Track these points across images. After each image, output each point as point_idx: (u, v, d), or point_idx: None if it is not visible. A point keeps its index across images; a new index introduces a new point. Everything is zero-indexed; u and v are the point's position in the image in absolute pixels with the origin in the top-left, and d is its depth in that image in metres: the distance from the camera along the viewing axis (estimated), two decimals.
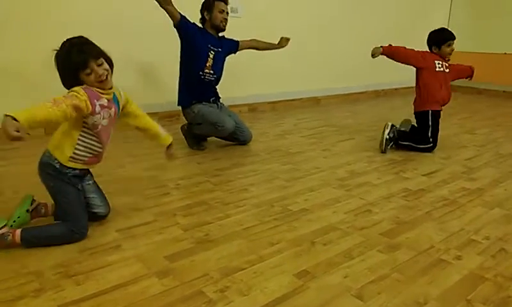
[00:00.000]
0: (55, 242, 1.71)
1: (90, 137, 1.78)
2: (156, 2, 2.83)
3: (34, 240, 1.70)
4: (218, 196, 2.29)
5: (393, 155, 3.17)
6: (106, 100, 1.75)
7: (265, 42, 3.53)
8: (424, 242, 1.83)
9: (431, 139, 3.27)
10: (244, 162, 2.92)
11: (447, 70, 3.33)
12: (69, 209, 1.77)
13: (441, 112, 3.37)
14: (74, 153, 1.76)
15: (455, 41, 3.30)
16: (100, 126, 1.77)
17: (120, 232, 1.84)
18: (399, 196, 2.37)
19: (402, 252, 1.73)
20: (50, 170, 1.76)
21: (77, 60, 1.65)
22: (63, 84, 1.72)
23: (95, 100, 1.69)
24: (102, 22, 3.51)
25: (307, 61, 5.16)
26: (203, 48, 3.11)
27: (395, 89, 6.37)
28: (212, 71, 3.18)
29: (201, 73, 3.13)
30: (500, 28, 6.43)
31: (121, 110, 1.92)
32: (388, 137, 3.24)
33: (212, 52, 3.14)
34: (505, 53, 6.25)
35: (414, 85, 3.39)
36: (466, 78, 3.52)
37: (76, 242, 1.74)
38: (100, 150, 1.85)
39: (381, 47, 3.26)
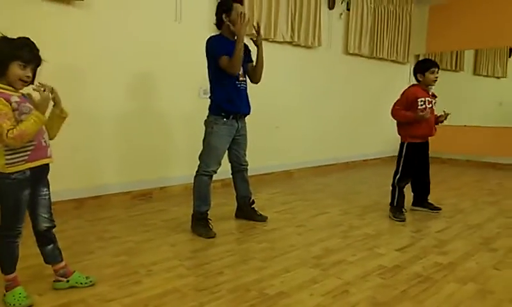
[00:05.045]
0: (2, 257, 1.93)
1: None
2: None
3: None
4: (192, 281, 2.21)
5: (367, 229, 3.20)
6: (17, 97, 1.83)
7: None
8: None
9: (398, 174, 3.54)
10: (219, 242, 2.87)
11: (429, 106, 3.47)
12: (3, 212, 1.88)
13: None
14: (7, 159, 1.82)
15: (438, 71, 3.48)
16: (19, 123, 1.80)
17: None
18: (374, 273, 2.36)
19: None
20: None
21: (26, 55, 1.80)
22: None
23: (10, 98, 1.79)
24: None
25: (279, 135, 5.30)
26: None
27: (364, 160, 6.57)
28: (244, 78, 3.15)
29: (237, 82, 3.07)
30: (458, 102, 6.88)
31: None
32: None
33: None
34: (465, 125, 6.65)
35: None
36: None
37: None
38: (34, 143, 1.87)
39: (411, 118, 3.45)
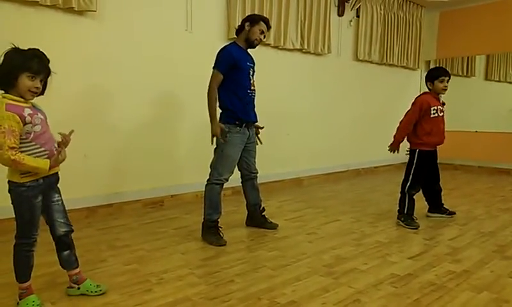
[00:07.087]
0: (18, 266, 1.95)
1: (29, 147, 1.85)
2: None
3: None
4: (203, 290, 2.21)
5: (379, 237, 3.17)
6: (29, 109, 1.85)
7: None
8: None
9: (409, 181, 3.50)
10: (230, 250, 2.87)
11: (441, 114, 3.50)
12: (19, 221, 1.91)
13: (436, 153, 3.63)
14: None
15: (449, 80, 3.48)
16: (32, 134, 1.84)
17: None
18: (387, 282, 2.33)
19: None
20: (12, 194, 1.89)
21: (35, 66, 1.81)
22: None
23: (21, 112, 1.79)
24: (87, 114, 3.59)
25: (289, 142, 5.30)
26: (246, 67, 3.13)
27: (375, 167, 6.53)
28: (254, 88, 3.19)
29: (249, 91, 3.14)
30: (470, 108, 6.81)
31: None
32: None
33: (251, 69, 3.16)
34: (476, 131, 6.57)
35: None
36: None
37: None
38: (47, 152, 1.90)
39: (393, 141, 3.53)
